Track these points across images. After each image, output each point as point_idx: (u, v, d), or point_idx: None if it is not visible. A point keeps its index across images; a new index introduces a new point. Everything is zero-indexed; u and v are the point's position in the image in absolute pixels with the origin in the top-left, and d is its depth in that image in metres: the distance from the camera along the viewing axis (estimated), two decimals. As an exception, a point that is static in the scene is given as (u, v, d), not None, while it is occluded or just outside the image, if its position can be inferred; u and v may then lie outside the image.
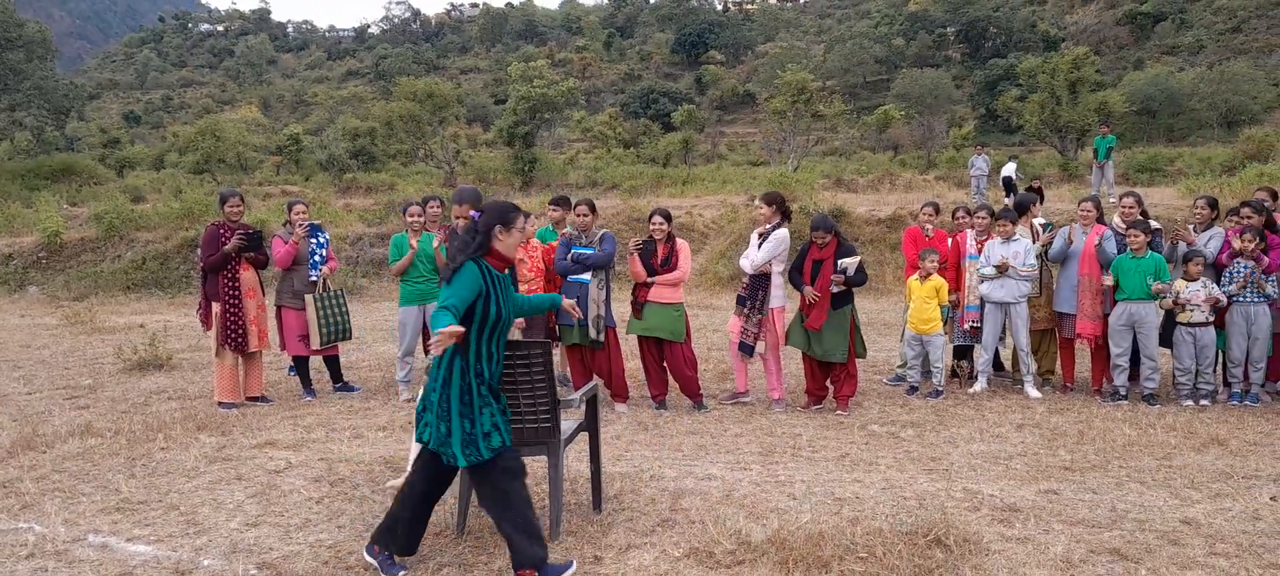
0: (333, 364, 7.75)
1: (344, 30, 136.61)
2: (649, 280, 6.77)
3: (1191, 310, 6.79)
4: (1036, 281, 7.31)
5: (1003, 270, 7.11)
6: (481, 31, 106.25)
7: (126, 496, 4.82)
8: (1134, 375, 7.16)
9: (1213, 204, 7.42)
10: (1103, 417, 6.52)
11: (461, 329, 3.39)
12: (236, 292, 7.02)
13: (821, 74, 54.49)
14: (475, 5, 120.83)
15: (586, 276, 6.63)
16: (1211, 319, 6.84)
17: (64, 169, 33.99)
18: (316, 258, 7.42)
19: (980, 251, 7.45)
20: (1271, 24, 58.08)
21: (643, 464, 5.38)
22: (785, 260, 6.86)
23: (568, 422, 4.42)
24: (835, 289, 6.58)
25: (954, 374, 7.82)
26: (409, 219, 7.41)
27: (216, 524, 4.41)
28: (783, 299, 6.89)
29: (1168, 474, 5.12)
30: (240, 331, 7.02)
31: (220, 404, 7.02)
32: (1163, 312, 7.03)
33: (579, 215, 6.82)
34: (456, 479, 4.03)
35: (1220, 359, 7.13)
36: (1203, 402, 6.88)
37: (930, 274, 7.28)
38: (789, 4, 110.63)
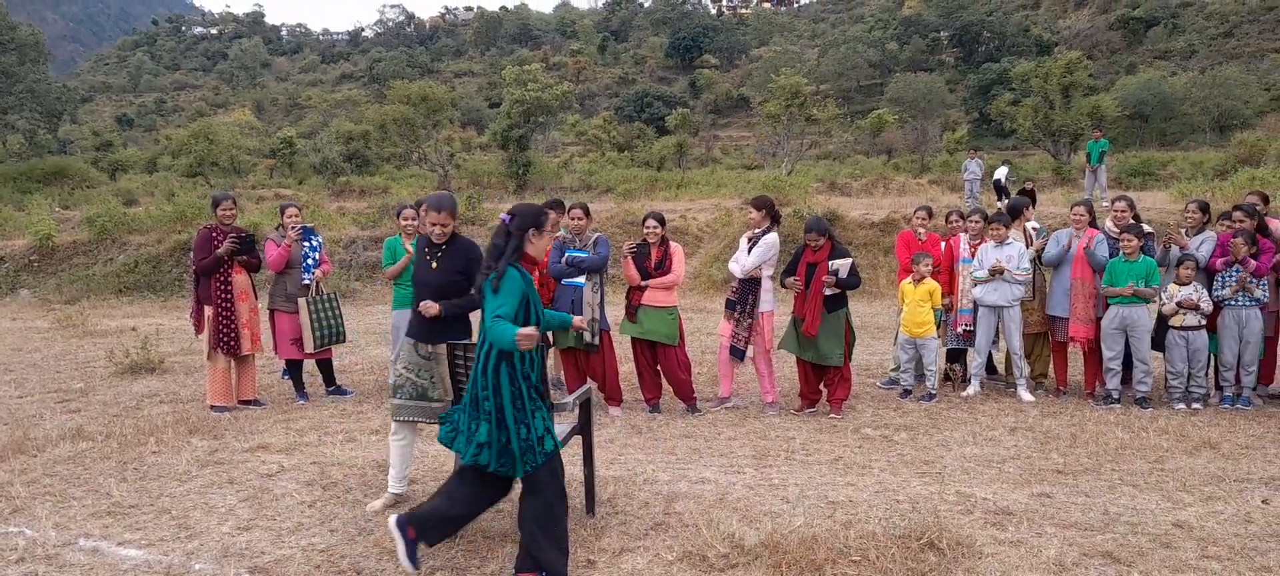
0: (326, 367, 7.73)
1: (338, 33, 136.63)
2: (643, 283, 6.77)
3: (1184, 313, 6.81)
4: (1030, 285, 7.33)
5: (999, 273, 7.13)
6: (476, 35, 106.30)
7: (118, 500, 4.80)
8: (1126, 378, 7.19)
9: (1204, 208, 7.46)
10: (1095, 421, 6.53)
11: (535, 331, 3.46)
12: (229, 296, 7.00)
13: (815, 78, 54.67)
14: (470, 8, 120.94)
15: (581, 280, 6.63)
16: (1203, 322, 6.86)
17: (56, 172, 33.84)
18: (310, 261, 7.40)
19: (974, 255, 7.47)
20: (1263, 29, 58.45)
21: (636, 467, 5.38)
22: (774, 264, 6.87)
23: (562, 426, 4.41)
24: (828, 291, 6.59)
25: (947, 377, 7.83)
26: (403, 222, 7.40)
27: (208, 528, 4.39)
28: (772, 303, 6.90)
29: (1160, 477, 5.14)
30: (233, 335, 6.99)
31: (212, 407, 6.99)
32: (1155, 316, 7.06)
33: (573, 219, 6.83)
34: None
35: (1212, 362, 7.16)
36: (1195, 406, 6.90)
37: (924, 277, 7.29)
38: (783, 8, 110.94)
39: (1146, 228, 7.40)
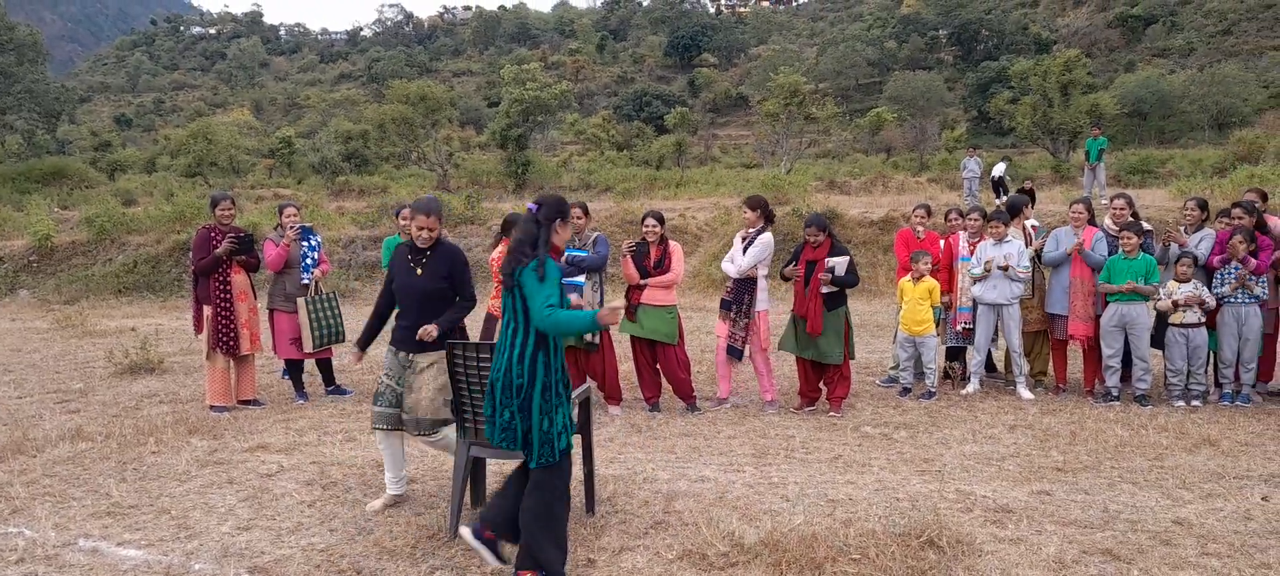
0: (325, 367, 7.73)
1: (336, 33, 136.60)
2: (642, 282, 6.77)
3: (1184, 310, 6.81)
4: (1029, 283, 7.33)
5: (1003, 269, 7.13)
6: (474, 34, 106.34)
7: (117, 500, 4.80)
8: (1126, 376, 7.19)
9: (1203, 205, 7.46)
10: (1095, 418, 6.53)
11: (621, 304, 3.64)
12: (228, 296, 7.00)
13: (814, 76, 54.66)
14: (468, 8, 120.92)
15: (580, 279, 6.63)
16: (1203, 320, 6.86)
17: (55, 172, 33.86)
18: (309, 261, 7.40)
19: (973, 253, 7.47)
20: (1261, 26, 58.49)
21: (636, 466, 5.38)
22: (769, 264, 6.87)
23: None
24: (825, 289, 6.59)
25: (946, 375, 7.83)
26: (402, 222, 7.39)
27: (208, 528, 4.39)
28: (768, 302, 6.90)
29: (1160, 474, 5.14)
30: (232, 334, 6.99)
31: (212, 407, 6.99)
32: (1155, 314, 7.06)
33: (573, 218, 6.81)
34: (452, 480, 4.01)
35: (1211, 360, 7.16)
36: (1194, 403, 6.90)
37: (923, 275, 7.29)
38: (782, 7, 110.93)
39: (1146, 225, 7.40)
